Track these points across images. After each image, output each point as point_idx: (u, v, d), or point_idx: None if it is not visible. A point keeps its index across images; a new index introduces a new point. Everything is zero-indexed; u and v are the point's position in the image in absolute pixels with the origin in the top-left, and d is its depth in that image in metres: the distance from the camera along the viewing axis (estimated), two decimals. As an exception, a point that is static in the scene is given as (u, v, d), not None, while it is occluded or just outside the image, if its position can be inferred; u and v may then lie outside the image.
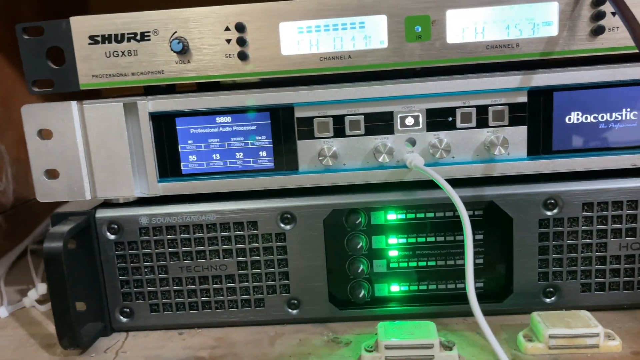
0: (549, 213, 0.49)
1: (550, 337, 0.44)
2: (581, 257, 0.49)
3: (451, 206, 0.49)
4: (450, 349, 0.44)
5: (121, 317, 0.52)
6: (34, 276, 0.65)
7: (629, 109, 0.47)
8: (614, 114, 0.47)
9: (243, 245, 0.50)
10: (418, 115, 0.48)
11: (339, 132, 0.49)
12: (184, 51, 0.46)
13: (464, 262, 0.50)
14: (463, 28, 0.45)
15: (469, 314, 0.50)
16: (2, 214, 0.74)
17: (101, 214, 0.51)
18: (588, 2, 0.44)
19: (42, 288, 0.60)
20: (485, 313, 0.50)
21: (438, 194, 0.49)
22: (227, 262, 0.51)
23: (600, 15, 0.44)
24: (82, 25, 0.47)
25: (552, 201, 0.48)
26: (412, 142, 0.48)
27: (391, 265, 0.52)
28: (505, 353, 0.44)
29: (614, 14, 0.44)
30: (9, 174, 0.76)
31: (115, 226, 0.51)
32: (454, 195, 0.44)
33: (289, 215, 0.50)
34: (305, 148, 0.49)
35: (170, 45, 0.46)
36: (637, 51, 0.43)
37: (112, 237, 0.51)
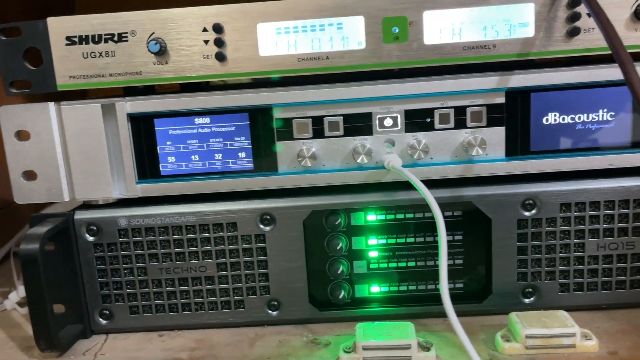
0: (527, 213, 0.49)
1: (527, 337, 0.44)
2: (559, 257, 0.49)
3: (429, 207, 0.50)
4: (428, 349, 0.45)
5: (100, 320, 0.52)
6: (15, 279, 0.65)
7: (605, 110, 0.47)
8: (590, 114, 0.47)
9: (222, 246, 0.50)
10: (397, 116, 0.48)
11: (318, 133, 0.49)
12: (161, 52, 0.46)
13: (436, 263, 0.51)
14: (440, 29, 0.45)
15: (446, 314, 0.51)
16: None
17: (80, 215, 0.50)
18: (564, 3, 0.44)
19: (22, 290, 0.60)
20: (466, 314, 0.51)
21: (417, 195, 0.48)
22: (206, 264, 0.50)
23: (575, 17, 0.44)
24: (59, 26, 0.47)
25: (531, 202, 0.48)
26: (392, 143, 0.49)
27: (371, 266, 0.52)
28: (483, 353, 0.45)
29: (589, 15, 0.44)
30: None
31: (94, 228, 0.50)
32: (429, 197, 0.44)
33: (268, 217, 0.50)
34: (284, 149, 0.49)
35: (147, 46, 0.46)
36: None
37: (91, 238, 0.50)
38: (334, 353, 0.46)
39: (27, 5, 0.86)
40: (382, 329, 0.46)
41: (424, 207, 0.50)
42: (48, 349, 0.48)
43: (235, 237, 0.50)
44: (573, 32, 0.45)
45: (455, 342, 0.47)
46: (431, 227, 0.50)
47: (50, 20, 0.47)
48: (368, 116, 0.48)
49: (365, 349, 0.44)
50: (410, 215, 0.50)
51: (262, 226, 0.50)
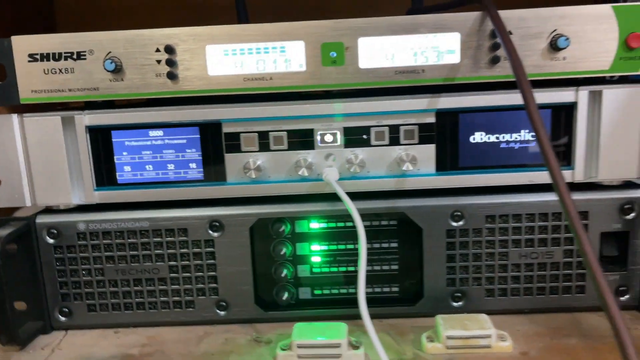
0: (455, 224, 0.53)
1: (447, 337, 0.48)
2: (485, 265, 0.54)
3: (369, 217, 0.54)
4: (357, 348, 0.49)
5: (60, 317, 0.55)
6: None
7: (526, 131, 0.51)
8: (513, 134, 0.52)
9: (174, 250, 0.54)
10: (336, 133, 0.52)
11: (264, 147, 0.52)
12: (117, 70, 0.49)
13: (380, 268, 0.55)
14: (374, 54, 0.49)
15: (384, 316, 0.55)
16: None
17: (41, 219, 0.54)
18: (486, 33, 0.48)
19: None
20: (400, 315, 0.55)
21: (357, 205, 0.53)
22: (159, 266, 0.54)
23: (496, 46, 0.48)
24: (22, 44, 0.50)
25: (459, 213, 0.53)
26: (333, 158, 0.52)
27: (314, 270, 0.56)
28: (409, 352, 0.49)
29: (509, 45, 0.48)
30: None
31: (55, 231, 0.54)
32: (353, 208, 0.48)
33: (217, 223, 0.53)
34: (232, 161, 0.53)
35: (104, 65, 0.49)
36: (535, 79, 0.48)
37: (51, 241, 0.54)
38: (273, 351, 0.50)
39: (8, 23, 0.89)
40: (317, 329, 0.50)
41: (363, 216, 0.54)
42: (9, 343, 0.51)
43: (186, 242, 0.54)
44: (494, 60, 0.49)
45: (385, 341, 0.51)
46: (369, 235, 0.54)
47: (14, 39, 0.50)
48: (310, 132, 0.52)
49: (299, 347, 0.48)
50: (350, 224, 0.54)
51: (211, 232, 0.54)
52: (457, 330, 0.48)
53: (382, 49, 0.49)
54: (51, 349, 0.53)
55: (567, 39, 0.47)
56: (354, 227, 0.54)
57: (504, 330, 0.50)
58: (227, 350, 0.51)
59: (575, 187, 0.52)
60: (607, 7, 0.48)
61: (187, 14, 1.09)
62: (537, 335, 0.51)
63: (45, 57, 0.50)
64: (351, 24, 0.49)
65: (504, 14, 0.48)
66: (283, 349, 0.49)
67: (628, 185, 0.53)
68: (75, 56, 0.50)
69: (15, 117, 0.52)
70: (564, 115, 0.51)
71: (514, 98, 0.50)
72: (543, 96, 0.50)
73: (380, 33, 0.49)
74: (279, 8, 1.07)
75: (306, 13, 1.09)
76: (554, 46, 0.48)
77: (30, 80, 0.51)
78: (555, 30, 0.48)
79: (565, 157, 0.52)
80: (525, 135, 0.52)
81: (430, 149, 0.52)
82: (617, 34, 0.48)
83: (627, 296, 0.54)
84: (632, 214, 0.52)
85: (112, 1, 1.09)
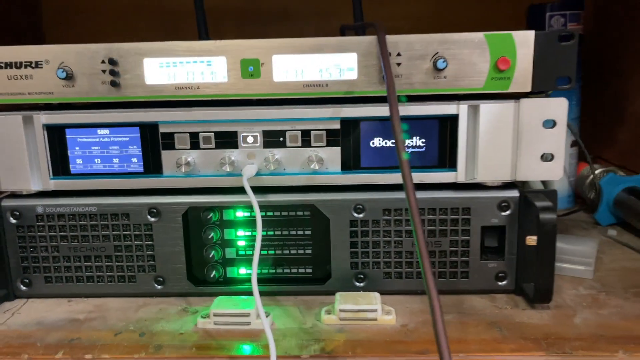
0: (357, 215, 0.62)
1: (340, 310, 0.57)
2: (383, 251, 0.62)
3: (286, 207, 0.63)
4: (265, 316, 0.57)
5: (21, 286, 0.65)
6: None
7: (418, 137, 0.60)
8: (407, 140, 0.60)
9: (118, 232, 0.63)
10: (257, 135, 0.61)
11: (195, 145, 0.61)
12: (68, 78, 0.58)
13: (296, 252, 0.64)
14: (286, 70, 0.58)
15: (299, 293, 0.64)
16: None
17: (6, 203, 0.63)
18: (377, 54, 0.57)
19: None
20: (312, 293, 0.64)
21: (275, 197, 0.62)
22: (105, 245, 0.63)
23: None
24: (-11, 54, 0.59)
25: (360, 206, 0.61)
26: (253, 156, 0.61)
27: (239, 252, 0.65)
28: (310, 322, 0.58)
29: (399, 64, 0.57)
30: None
31: (17, 213, 0.63)
32: (254, 201, 0.57)
33: (155, 210, 0.62)
34: (167, 157, 0.62)
35: (57, 73, 0.58)
36: (423, 94, 0.56)
37: (14, 221, 0.63)
38: (196, 318, 0.59)
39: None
40: (233, 301, 0.59)
41: (280, 207, 0.63)
42: (-25, 307, 0.61)
43: (128, 225, 0.63)
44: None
45: (292, 313, 0.60)
46: (285, 223, 0.63)
47: (-17, 48, 0.59)
48: (234, 134, 0.61)
49: (215, 315, 0.57)
50: (270, 214, 0.63)
51: (149, 217, 0.63)
52: (349, 304, 0.57)
53: (293, 65, 0.58)
54: (12, 313, 0.62)
55: (445, 60, 0.56)
56: (272, 216, 0.64)
57: (395, 307, 0.59)
58: (158, 317, 0.60)
59: (460, 186, 0.61)
60: (480, 35, 0.56)
61: (157, 17, 1.18)
62: (420, 312, 0.60)
63: (8, 65, 0.59)
64: (267, 43, 0.58)
65: (394, 38, 0.56)
66: (203, 317, 0.58)
67: (506, 186, 0.61)
68: (33, 65, 0.59)
69: (-17, 115, 0.61)
70: (448, 125, 0.59)
71: (405, 110, 0.59)
72: (431, 109, 0.59)
73: (291, 52, 0.57)
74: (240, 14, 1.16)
75: (264, 21, 1.18)
76: (436, 67, 0.56)
77: (-4, 85, 0.60)
78: (437, 53, 0.56)
79: (450, 160, 0.60)
80: (417, 141, 0.60)
81: (336, 151, 0.61)
82: (489, 58, 0.56)
83: (505, 281, 0.62)
84: (508, 211, 0.60)
85: (98, 9, 1.18)
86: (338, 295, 0.59)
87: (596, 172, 0.87)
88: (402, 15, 1.14)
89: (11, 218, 0.63)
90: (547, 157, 0.59)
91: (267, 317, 0.57)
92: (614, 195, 0.82)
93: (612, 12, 1.05)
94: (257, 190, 0.61)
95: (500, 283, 0.62)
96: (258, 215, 0.56)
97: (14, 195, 0.64)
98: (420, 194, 0.61)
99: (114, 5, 1.15)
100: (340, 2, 0.89)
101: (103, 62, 0.58)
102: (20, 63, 0.59)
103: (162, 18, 1.15)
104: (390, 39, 0.56)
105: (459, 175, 0.60)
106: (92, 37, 1.14)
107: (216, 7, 0.99)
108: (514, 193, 0.60)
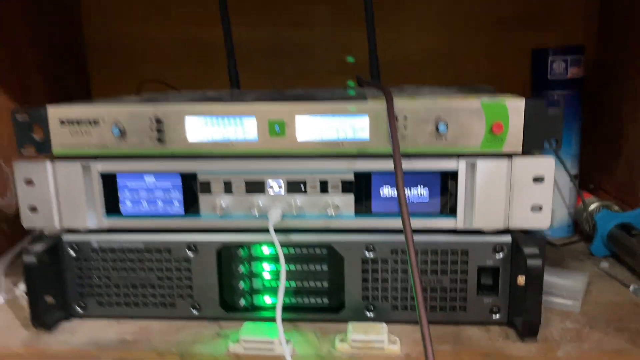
0: (368, 254, 0.70)
1: (352, 340, 0.66)
2: (390, 286, 0.71)
3: (306, 246, 0.72)
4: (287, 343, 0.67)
5: (78, 309, 0.75)
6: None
7: (421, 187, 0.68)
8: (412, 190, 0.68)
9: (161, 265, 0.73)
10: (281, 184, 0.70)
11: (228, 191, 0.71)
12: (121, 135, 0.68)
13: (314, 285, 0.73)
14: (307, 130, 0.67)
15: (316, 320, 0.73)
16: (6, 222, 0.97)
17: (66, 237, 0.73)
18: (384, 118, 0.65)
19: (28, 282, 0.83)
20: (327, 320, 0.73)
21: (295, 237, 0.71)
22: (150, 276, 0.73)
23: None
24: (55, 112, 0.69)
25: (371, 246, 0.70)
26: (278, 201, 0.70)
27: (265, 283, 0.74)
28: (325, 348, 0.67)
29: (405, 127, 0.65)
30: (13, 188, 0.99)
31: (76, 247, 0.73)
32: (276, 242, 0.66)
33: (193, 247, 0.72)
34: (205, 200, 0.71)
35: (111, 130, 0.68)
36: (427, 152, 0.65)
37: (73, 254, 0.73)
38: (227, 342, 0.69)
39: (45, 51, 1.08)
40: (260, 328, 0.68)
41: (302, 245, 0.72)
42: (39, 326, 0.71)
43: (170, 259, 0.73)
44: (394, 137, 0.66)
45: (310, 340, 0.69)
46: (305, 260, 0.72)
47: (49, 107, 0.69)
48: (262, 182, 0.70)
49: (244, 341, 0.67)
50: (292, 251, 0.72)
51: (188, 253, 0.72)
52: (360, 334, 0.66)
53: (313, 125, 0.67)
54: (70, 332, 0.72)
55: (446, 125, 0.64)
56: (294, 254, 0.73)
57: (400, 337, 0.68)
58: (195, 339, 0.70)
59: (459, 232, 0.69)
60: (477, 102, 0.64)
61: (195, 51, 1.28)
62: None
63: (71, 122, 0.69)
64: (291, 106, 0.66)
65: (402, 103, 0.65)
66: (233, 342, 0.67)
67: (501, 232, 0.69)
68: (92, 122, 0.69)
69: (49, 163, 0.71)
70: (449, 178, 0.68)
71: (409, 165, 0.67)
72: (433, 164, 0.67)
73: (312, 113, 0.66)
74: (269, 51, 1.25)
75: (291, 57, 1.28)
76: (438, 130, 0.64)
77: (61, 139, 0.70)
78: (439, 117, 0.65)
79: (451, 209, 0.68)
80: (421, 191, 0.69)
81: (350, 198, 0.69)
82: (485, 122, 0.64)
83: (498, 315, 0.70)
84: (502, 254, 0.68)
85: (137, 41, 1.28)
86: (350, 325, 0.68)
87: (591, 207, 0.94)
88: (419, 49, 1.22)
89: (71, 251, 0.73)
90: (536, 208, 0.66)
91: (288, 344, 0.67)
92: (608, 230, 0.89)
93: (609, 61, 1.12)
94: (280, 230, 0.71)
95: (494, 316, 0.70)
96: (282, 259, 0.65)
97: (72, 231, 0.74)
98: (424, 238, 0.69)
99: (152, 36, 1.25)
100: (357, 37, 0.97)
101: (150, 120, 0.68)
102: (80, 120, 0.69)
103: (194, 49, 1.25)
104: (398, 104, 0.65)
105: (459, 222, 0.68)
106: (131, 67, 1.26)
107: (244, 42, 1.08)
108: (507, 238, 0.68)
